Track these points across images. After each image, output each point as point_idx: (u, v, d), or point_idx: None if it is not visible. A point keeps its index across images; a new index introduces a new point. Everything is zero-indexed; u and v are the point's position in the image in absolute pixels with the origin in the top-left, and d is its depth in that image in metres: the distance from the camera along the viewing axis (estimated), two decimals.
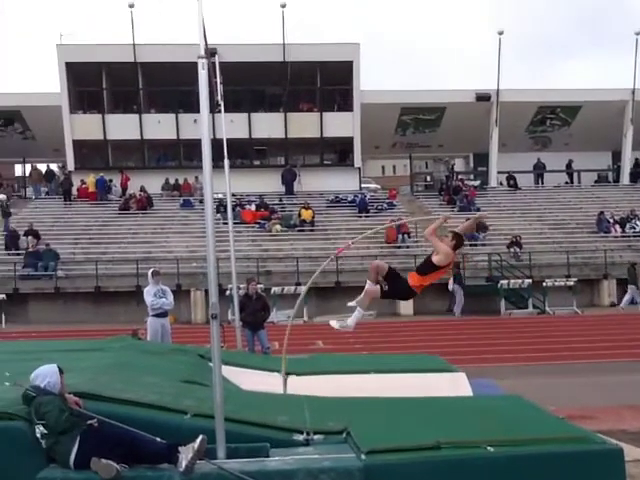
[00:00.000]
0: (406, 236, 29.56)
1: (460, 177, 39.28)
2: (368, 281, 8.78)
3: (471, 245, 29.52)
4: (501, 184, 38.60)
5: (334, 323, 8.98)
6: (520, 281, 25.73)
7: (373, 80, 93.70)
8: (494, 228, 31.10)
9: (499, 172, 38.28)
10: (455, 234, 8.44)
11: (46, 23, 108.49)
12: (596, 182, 40.16)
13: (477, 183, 38.33)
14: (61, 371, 6.02)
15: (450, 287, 25.06)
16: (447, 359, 11.08)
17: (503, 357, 15.88)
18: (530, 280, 25.71)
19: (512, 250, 28.38)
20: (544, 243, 29.98)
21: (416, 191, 40.30)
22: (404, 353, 14.35)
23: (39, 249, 27.46)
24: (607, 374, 13.64)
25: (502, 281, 25.55)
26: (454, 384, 9.25)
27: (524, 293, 25.88)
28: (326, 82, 35.69)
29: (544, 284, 25.63)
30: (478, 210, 33.18)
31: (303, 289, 11.17)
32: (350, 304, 8.94)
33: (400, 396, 8.00)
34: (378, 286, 8.51)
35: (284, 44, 34.24)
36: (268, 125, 35.33)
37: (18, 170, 43.85)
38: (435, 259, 8.30)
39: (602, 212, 31.87)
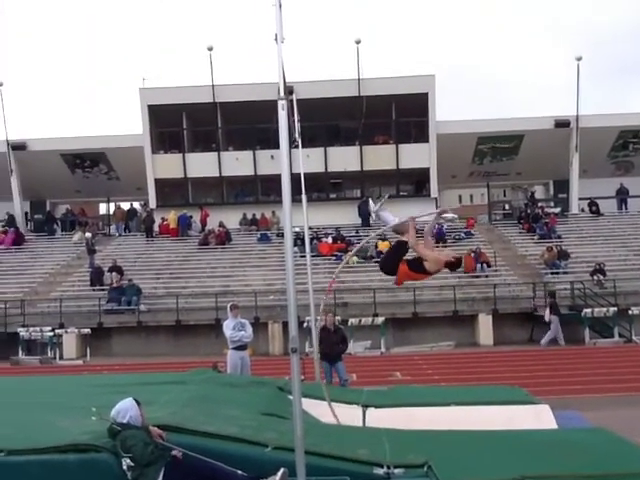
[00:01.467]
0: (485, 265, 29.15)
1: (540, 204, 38.57)
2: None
3: (552, 273, 28.93)
4: (583, 210, 37.74)
5: (372, 206, 8.86)
6: (605, 309, 24.94)
7: (449, 109, 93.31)
8: (576, 255, 30.38)
9: (580, 198, 37.49)
10: (457, 259, 8.29)
11: (129, 68, 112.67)
12: None
13: (558, 210, 37.55)
14: (138, 403, 6.18)
15: (547, 318, 24.39)
16: (529, 390, 10.83)
17: (588, 388, 15.38)
18: (615, 308, 24.91)
19: (596, 277, 27.59)
20: (629, 270, 29.01)
21: (494, 220, 39.74)
22: (484, 384, 14.08)
23: (122, 284, 28.22)
24: None
25: (586, 309, 24.84)
26: (537, 416, 9.04)
27: (609, 322, 25.06)
28: (401, 114, 35.78)
29: (630, 312, 24.75)
30: (559, 237, 32.55)
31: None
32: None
33: (481, 429, 7.87)
34: (408, 233, 8.34)
35: (359, 79, 34.58)
36: (344, 158, 35.64)
37: (102, 209, 45.40)
38: (426, 265, 8.16)
39: None
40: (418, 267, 8.23)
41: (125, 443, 5.77)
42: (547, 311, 24.39)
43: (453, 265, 8.28)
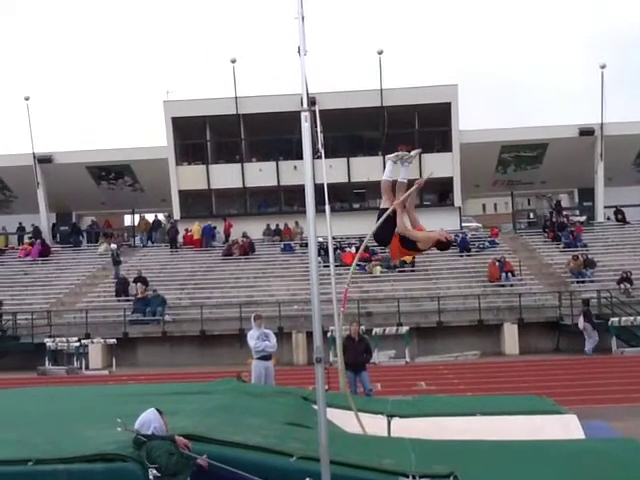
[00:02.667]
0: (510, 274, 28.97)
1: (565, 213, 38.30)
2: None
3: (579, 282, 28.69)
4: (608, 219, 37.43)
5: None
6: (632, 318, 24.68)
7: (472, 118, 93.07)
8: (602, 264, 30.10)
9: (606, 207, 37.18)
10: (448, 240, 8.21)
11: (153, 81, 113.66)
12: None
13: (583, 219, 37.27)
14: (160, 412, 6.21)
15: (580, 325, 24.18)
16: (556, 400, 10.73)
17: (616, 397, 15.22)
18: None
19: (622, 286, 27.34)
20: None
21: (519, 229, 39.56)
22: (510, 394, 13.97)
23: (147, 295, 28.39)
24: None
25: (613, 318, 24.62)
26: (565, 426, 8.95)
27: (636, 330, 24.76)
28: (424, 124, 35.72)
29: None
30: (585, 246, 32.25)
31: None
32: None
33: (508, 439, 7.81)
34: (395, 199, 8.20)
35: (381, 89, 34.63)
36: (367, 169, 35.54)
37: (127, 220, 45.77)
38: (418, 244, 8.11)
39: None
40: (410, 244, 8.17)
41: (151, 454, 5.80)
42: (581, 319, 24.17)
43: (443, 245, 8.20)
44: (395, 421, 9.08)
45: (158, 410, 6.22)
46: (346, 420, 8.72)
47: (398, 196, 8.28)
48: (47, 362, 24.89)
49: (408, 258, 30.85)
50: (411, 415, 9.49)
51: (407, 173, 8.39)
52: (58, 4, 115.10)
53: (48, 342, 25.16)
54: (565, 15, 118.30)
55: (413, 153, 8.45)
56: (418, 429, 8.39)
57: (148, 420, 6.10)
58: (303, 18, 6.92)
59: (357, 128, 35.85)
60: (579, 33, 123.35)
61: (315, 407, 6.73)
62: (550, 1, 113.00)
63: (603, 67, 35.07)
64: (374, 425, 8.74)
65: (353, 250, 31.91)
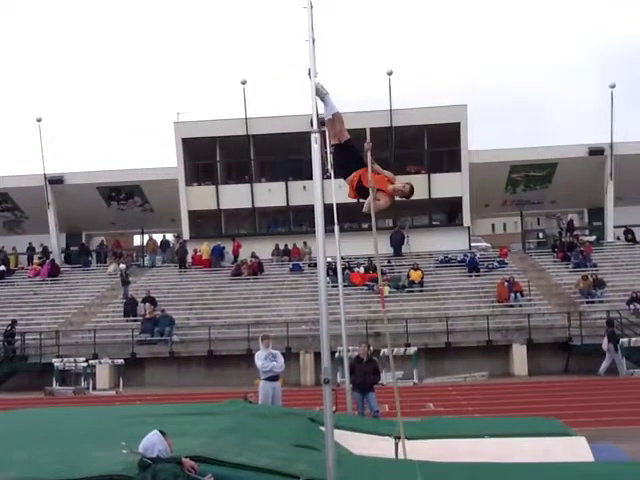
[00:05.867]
0: (519, 295, 28.88)
1: (575, 233, 38.20)
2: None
3: (588, 302, 28.56)
4: (618, 239, 37.32)
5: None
6: None
7: (481, 138, 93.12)
8: (612, 284, 29.97)
9: (616, 226, 37.07)
10: (405, 194, 8.36)
11: (164, 103, 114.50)
12: None
13: (593, 238, 37.15)
14: (163, 433, 6.21)
15: (604, 347, 23.98)
16: (565, 422, 10.66)
17: (625, 419, 15.07)
18: None
19: (632, 306, 27.18)
20: None
21: (528, 248, 39.47)
22: (519, 416, 13.88)
23: (156, 315, 28.39)
24: None
25: (622, 339, 24.42)
26: (573, 449, 8.90)
27: None
28: (433, 144, 35.81)
29: None
30: (594, 266, 32.11)
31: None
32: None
33: (517, 461, 7.77)
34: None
35: (391, 110, 34.75)
36: None
37: (137, 240, 45.90)
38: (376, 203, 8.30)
39: None
40: (363, 193, 8.37)
41: (156, 477, 5.80)
42: (605, 340, 23.98)
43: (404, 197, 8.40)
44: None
45: (161, 431, 6.21)
46: (353, 442, 8.69)
47: (338, 127, 8.57)
48: (55, 382, 24.88)
49: (417, 278, 30.91)
50: (419, 437, 9.45)
51: (327, 108, 8.32)
52: (69, 27, 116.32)
53: (56, 362, 25.19)
54: (575, 35, 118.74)
55: (319, 84, 8.24)
56: (426, 451, 8.36)
57: (152, 443, 6.09)
58: (314, 41, 7.00)
59: None
60: (589, 52, 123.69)
61: (322, 429, 6.71)
62: (560, 21, 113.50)
63: (613, 87, 35.14)
64: (381, 447, 8.70)
65: (362, 270, 31.94)
